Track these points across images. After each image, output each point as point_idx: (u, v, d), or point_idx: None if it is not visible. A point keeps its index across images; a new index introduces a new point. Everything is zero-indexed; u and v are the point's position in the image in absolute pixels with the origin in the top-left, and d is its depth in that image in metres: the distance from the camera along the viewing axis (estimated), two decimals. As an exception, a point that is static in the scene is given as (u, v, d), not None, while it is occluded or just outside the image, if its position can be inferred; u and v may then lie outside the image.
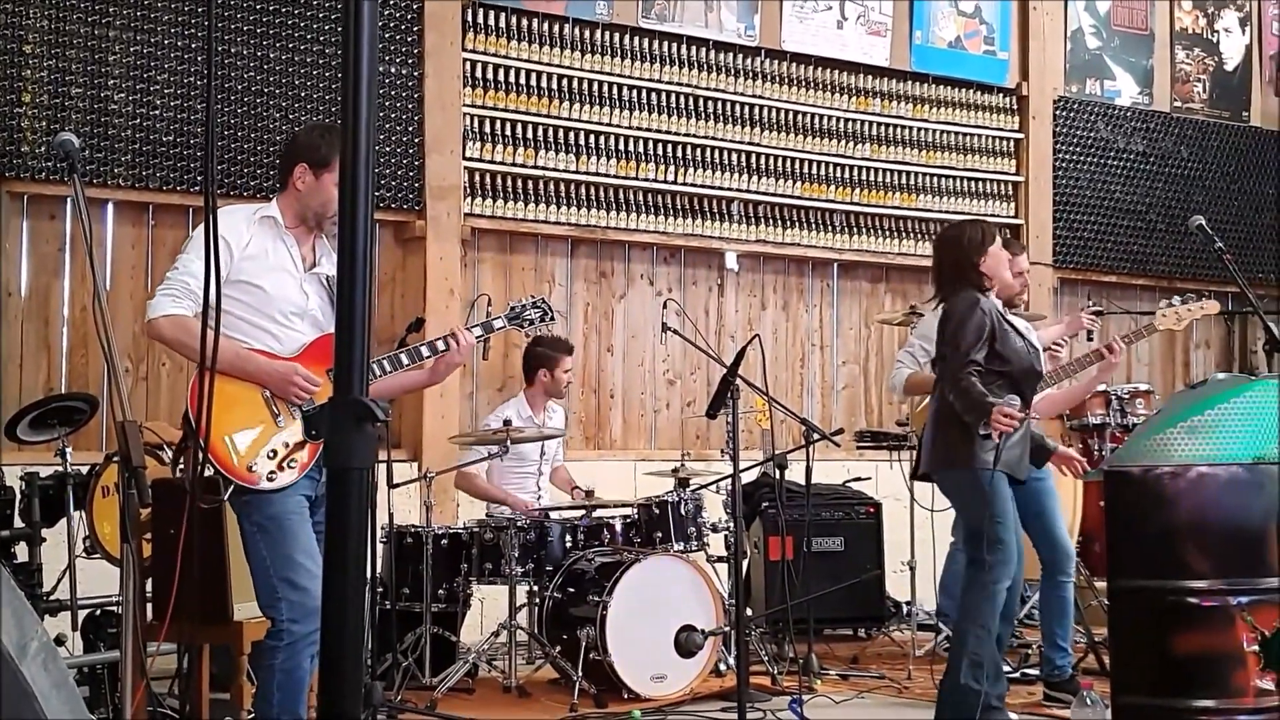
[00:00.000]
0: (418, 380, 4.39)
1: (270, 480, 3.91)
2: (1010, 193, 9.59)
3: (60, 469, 5.27)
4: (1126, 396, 6.94)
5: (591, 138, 8.07)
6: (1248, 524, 4.01)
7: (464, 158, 7.72)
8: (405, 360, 4.18)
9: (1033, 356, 5.14)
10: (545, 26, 7.98)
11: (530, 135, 7.90)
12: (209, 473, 3.87)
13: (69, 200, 6.73)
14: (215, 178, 2.56)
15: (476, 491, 6.90)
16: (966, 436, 4.91)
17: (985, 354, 4.97)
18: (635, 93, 8.24)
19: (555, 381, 6.90)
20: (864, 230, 9.03)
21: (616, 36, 8.20)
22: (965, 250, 5.22)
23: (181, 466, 4.30)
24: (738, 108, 8.58)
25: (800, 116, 8.80)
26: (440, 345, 4.21)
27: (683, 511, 6.29)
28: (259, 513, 3.91)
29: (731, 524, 6.16)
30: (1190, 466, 4.02)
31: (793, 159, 8.74)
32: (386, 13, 7.52)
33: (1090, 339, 6.47)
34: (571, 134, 8.02)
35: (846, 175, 8.95)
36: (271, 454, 3.93)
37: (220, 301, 2.70)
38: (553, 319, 4.67)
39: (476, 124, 7.77)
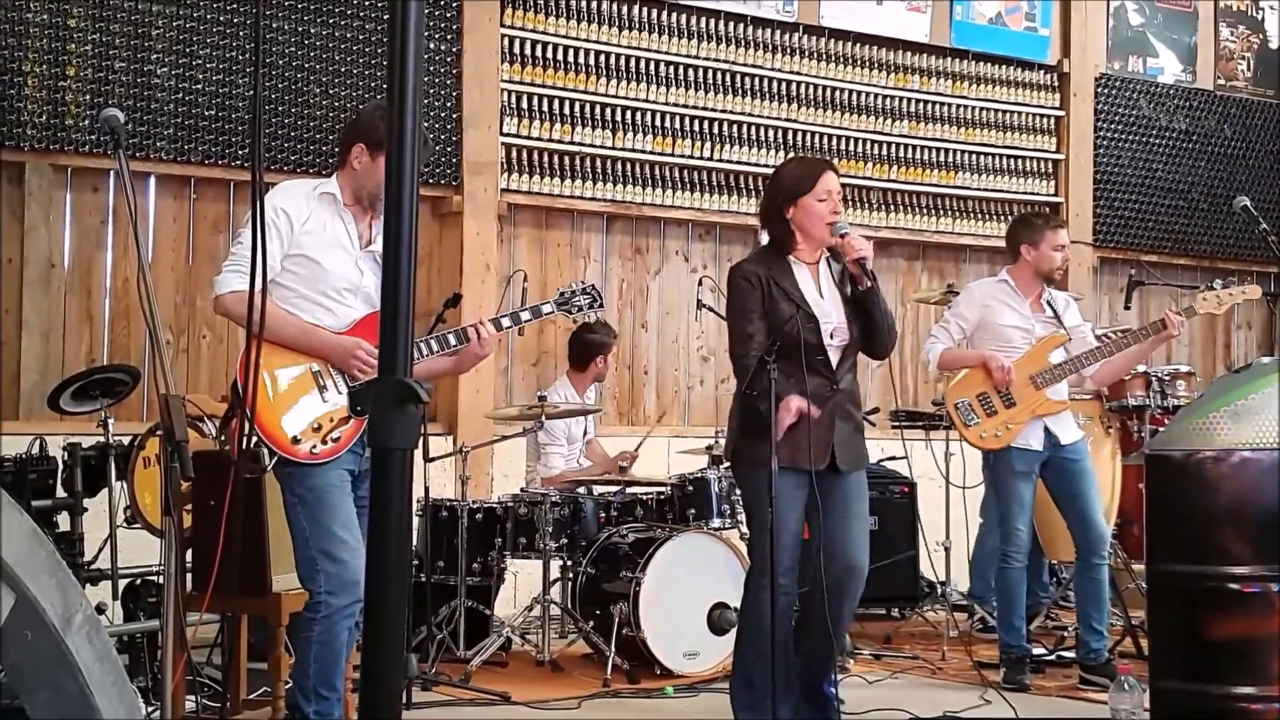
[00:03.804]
0: (444, 368, 4.38)
1: (313, 453, 3.94)
2: (1050, 171, 9.52)
3: (102, 439, 5.33)
4: (1167, 378, 6.89)
5: (628, 114, 8.06)
6: (1289, 509, 3.96)
7: (501, 133, 7.73)
8: (435, 346, 4.20)
9: (804, 326, 4.33)
10: (583, 2, 7.97)
11: (567, 111, 7.89)
12: (253, 442, 3.90)
13: (112, 173, 6.79)
14: (263, 153, 2.56)
15: (565, 482, 6.81)
16: (747, 431, 4.36)
17: (764, 331, 4.34)
18: (672, 69, 8.22)
19: (606, 365, 7.00)
20: (901, 208, 8.99)
21: (654, 12, 8.17)
22: (774, 193, 4.49)
23: (224, 437, 4.34)
24: (775, 84, 8.54)
25: (838, 93, 8.76)
26: (458, 338, 4.21)
27: (716, 489, 6.29)
28: (300, 484, 3.95)
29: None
30: (1232, 451, 3.99)
31: (830, 136, 8.70)
32: (426, -13, 7.52)
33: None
34: (608, 110, 8.01)
35: (884, 152, 8.91)
36: (316, 427, 3.97)
37: (266, 274, 2.72)
38: (601, 306, 4.69)
39: (514, 100, 7.77)
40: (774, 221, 4.48)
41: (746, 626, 4.47)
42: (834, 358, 4.40)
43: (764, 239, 8.40)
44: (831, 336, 4.39)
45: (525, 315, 4.44)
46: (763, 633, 4.35)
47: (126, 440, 5.31)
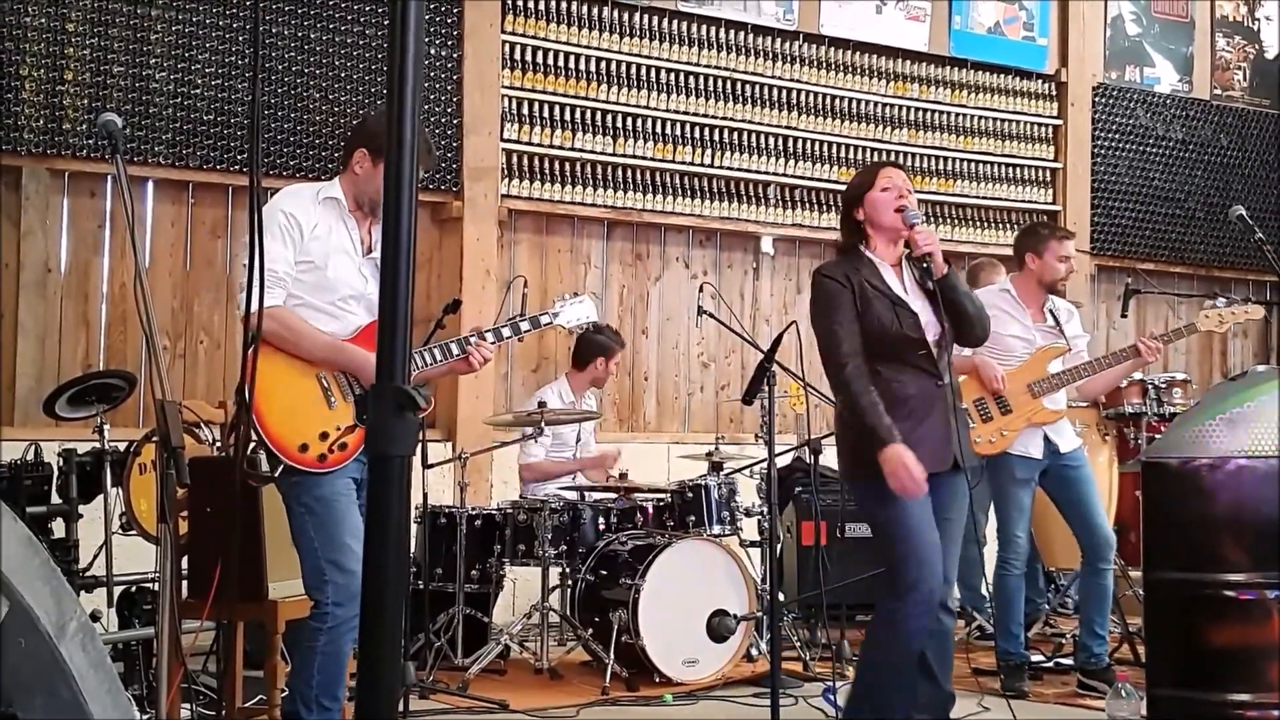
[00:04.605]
0: (439, 371, 4.34)
1: (321, 461, 3.91)
2: (1048, 179, 9.52)
3: (98, 446, 5.31)
4: (1163, 386, 6.89)
5: (629, 120, 8.06)
6: (1286, 518, 3.96)
7: (502, 139, 7.73)
8: (439, 355, 4.19)
9: (904, 321, 4.22)
10: (584, 9, 7.97)
11: (568, 117, 7.89)
12: (261, 451, 3.88)
13: (109, 177, 6.78)
14: (261, 158, 2.54)
15: (545, 475, 6.88)
16: (862, 440, 4.16)
17: (858, 334, 4.20)
18: (673, 76, 8.22)
19: (607, 371, 7.01)
20: (900, 215, 8.97)
21: (655, 20, 8.18)
22: (844, 202, 4.47)
23: (229, 443, 4.33)
24: (775, 92, 8.55)
25: (838, 101, 8.76)
26: (460, 346, 4.20)
27: (716, 495, 6.28)
28: (308, 494, 3.92)
29: (765, 508, 6.16)
30: (1228, 459, 3.99)
31: (830, 143, 8.70)
32: (425, -7, 7.52)
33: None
34: (609, 116, 8.01)
35: (883, 160, 8.91)
36: (323, 435, 3.93)
37: (263, 281, 2.72)
38: (595, 320, 4.72)
39: (515, 106, 7.78)
40: (849, 229, 4.41)
41: (890, 643, 4.20)
42: (934, 354, 4.27)
43: (764, 245, 8.50)
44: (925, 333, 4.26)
45: (524, 325, 4.45)
46: (909, 649, 4.16)
47: (122, 446, 5.29)
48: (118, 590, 5.28)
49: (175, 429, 3.17)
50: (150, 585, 5.23)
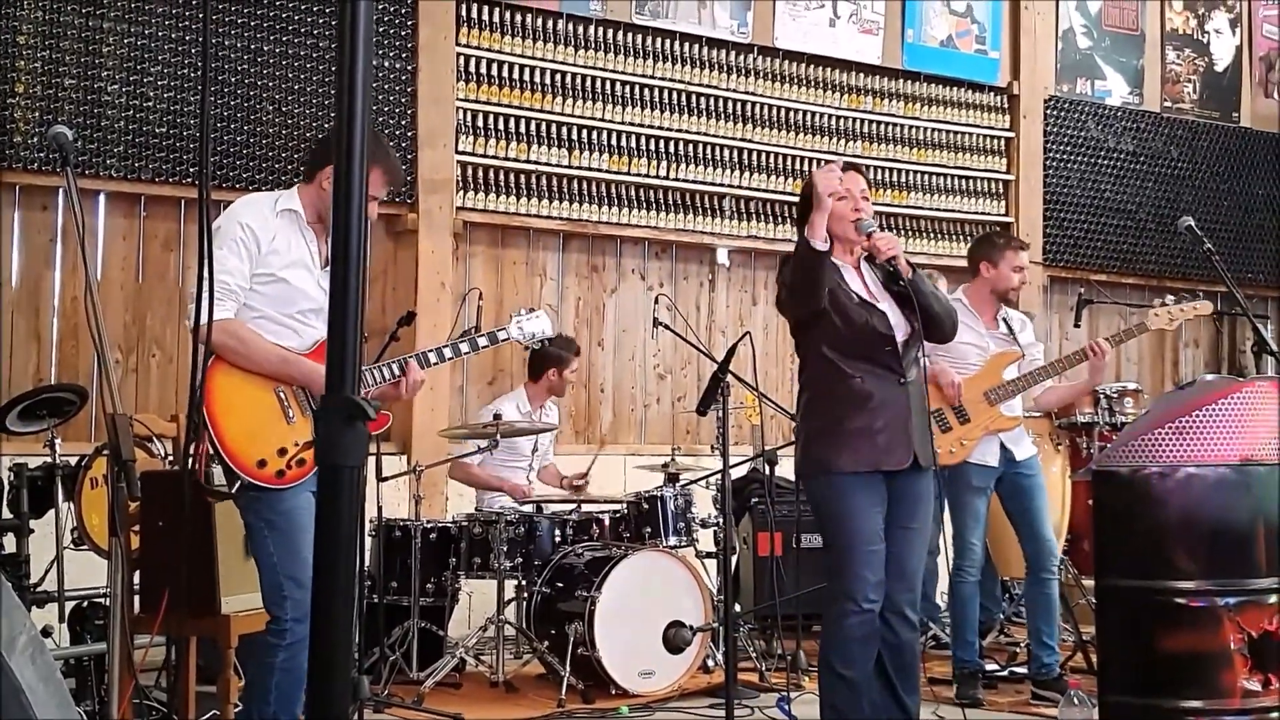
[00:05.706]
0: (379, 392, 4.23)
1: (279, 478, 3.88)
2: (1001, 191, 9.60)
3: (49, 460, 5.27)
4: (1115, 395, 6.96)
5: (584, 133, 8.07)
6: (1235, 525, 4.02)
7: (457, 151, 7.72)
8: (377, 377, 4.15)
9: (875, 320, 4.26)
10: (539, 22, 7.98)
11: (523, 130, 7.90)
12: (218, 467, 3.85)
13: (61, 191, 6.72)
14: (210, 170, 2.53)
15: (472, 480, 6.92)
16: (818, 436, 4.27)
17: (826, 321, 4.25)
18: (628, 88, 8.24)
19: (562, 381, 7.00)
20: (855, 227, 9.02)
21: (610, 32, 8.20)
22: (801, 204, 4.47)
23: (175, 459, 4.30)
24: (730, 104, 8.58)
25: (792, 113, 8.81)
26: (392, 373, 4.17)
27: (672, 507, 6.29)
28: (269, 510, 3.88)
29: (721, 519, 6.17)
30: (1179, 467, 4.03)
31: (784, 156, 8.74)
32: (381, 6, 7.51)
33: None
34: (564, 129, 8.02)
35: (841, 164, 8.94)
36: (281, 452, 3.90)
37: (214, 292, 2.70)
38: (550, 336, 4.77)
39: (469, 118, 7.77)
40: (801, 226, 4.40)
41: (829, 652, 4.27)
42: (899, 352, 4.28)
43: (720, 257, 8.52)
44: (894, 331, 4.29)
45: (482, 341, 4.43)
46: (848, 660, 4.21)
47: (74, 461, 5.25)
48: (69, 605, 5.23)
49: (126, 442, 3.16)
50: (102, 600, 5.18)
